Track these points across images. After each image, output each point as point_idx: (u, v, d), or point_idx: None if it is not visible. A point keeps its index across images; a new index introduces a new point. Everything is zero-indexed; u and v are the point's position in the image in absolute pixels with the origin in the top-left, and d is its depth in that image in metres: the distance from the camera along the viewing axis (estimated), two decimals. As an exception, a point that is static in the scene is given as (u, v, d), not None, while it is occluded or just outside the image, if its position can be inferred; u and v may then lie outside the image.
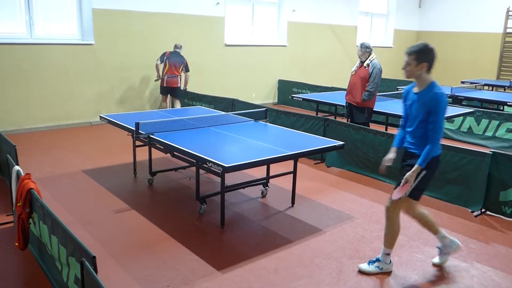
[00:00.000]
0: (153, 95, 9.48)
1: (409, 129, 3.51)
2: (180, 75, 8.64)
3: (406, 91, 3.58)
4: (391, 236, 3.58)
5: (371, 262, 3.63)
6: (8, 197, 4.27)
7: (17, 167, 3.61)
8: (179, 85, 8.64)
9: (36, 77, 7.94)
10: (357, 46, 6.56)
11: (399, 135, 3.69)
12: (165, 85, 8.56)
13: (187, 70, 8.73)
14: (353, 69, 6.64)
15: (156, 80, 8.84)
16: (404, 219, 4.67)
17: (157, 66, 8.65)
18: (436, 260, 3.78)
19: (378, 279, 3.52)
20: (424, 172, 3.36)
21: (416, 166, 3.32)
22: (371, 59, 6.38)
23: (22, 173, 3.47)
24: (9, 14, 7.78)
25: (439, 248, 3.78)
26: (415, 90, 3.45)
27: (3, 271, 3.50)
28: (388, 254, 3.62)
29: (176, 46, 8.71)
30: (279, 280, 3.46)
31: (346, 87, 6.98)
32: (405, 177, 3.37)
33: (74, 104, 8.47)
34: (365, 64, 6.38)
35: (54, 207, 4.48)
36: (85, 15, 8.44)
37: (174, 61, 8.50)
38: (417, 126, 3.40)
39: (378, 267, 3.59)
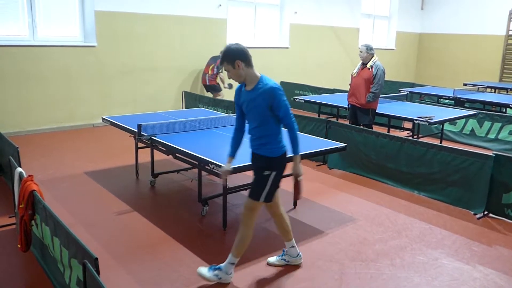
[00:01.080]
0: (156, 97, 9.50)
1: (253, 131, 3.33)
2: (213, 74, 9.44)
3: (237, 92, 3.37)
4: (242, 243, 3.37)
5: (211, 269, 3.41)
6: (10, 199, 4.28)
7: (19, 169, 3.61)
8: (207, 83, 9.47)
9: (39, 79, 7.96)
10: (359, 48, 6.54)
11: (235, 140, 3.50)
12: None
13: (218, 69, 9.38)
14: (354, 71, 6.63)
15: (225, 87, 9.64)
16: (406, 221, 4.67)
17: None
18: (273, 259, 3.72)
19: (380, 282, 3.51)
20: (274, 173, 3.27)
21: (297, 156, 3.29)
22: (374, 61, 6.39)
23: (25, 175, 3.48)
24: (11, 17, 7.80)
25: (284, 251, 3.72)
26: (247, 88, 3.24)
27: (6, 273, 3.50)
28: (233, 264, 3.42)
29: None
30: (281, 283, 3.46)
31: (347, 89, 6.98)
32: (294, 173, 3.33)
33: (77, 106, 8.49)
34: (368, 66, 6.38)
35: (56, 209, 4.49)
36: (87, 17, 8.46)
37: (208, 61, 9.51)
38: (260, 124, 3.25)
39: (217, 275, 3.37)
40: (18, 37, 7.87)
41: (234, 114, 6.37)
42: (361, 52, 6.43)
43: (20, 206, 3.38)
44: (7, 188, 5.03)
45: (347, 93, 7.00)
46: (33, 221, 3.40)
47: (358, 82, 6.46)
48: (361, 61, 6.54)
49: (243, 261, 3.74)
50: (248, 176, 5.60)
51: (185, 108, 9.70)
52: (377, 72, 6.32)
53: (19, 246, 3.50)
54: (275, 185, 3.34)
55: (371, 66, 6.35)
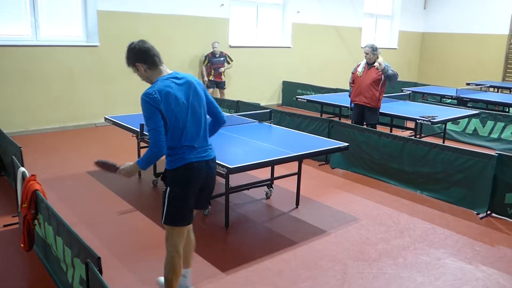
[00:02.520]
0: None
1: None
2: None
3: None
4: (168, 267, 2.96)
5: None
6: (13, 199, 4.28)
7: (22, 169, 3.62)
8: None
9: (41, 79, 7.98)
10: (362, 47, 6.54)
11: None
12: None
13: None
14: (359, 70, 6.57)
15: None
16: (409, 220, 4.67)
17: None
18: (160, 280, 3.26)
19: (382, 281, 3.51)
20: (168, 188, 2.85)
21: (134, 165, 2.87)
22: (380, 60, 6.39)
23: (28, 175, 3.49)
24: (14, 16, 7.82)
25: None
26: None
27: (9, 272, 3.51)
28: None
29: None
30: (283, 282, 3.46)
31: (348, 88, 6.96)
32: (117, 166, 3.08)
33: (79, 105, 8.50)
34: (376, 65, 6.34)
35: (59, 208, 4.48)
36: (90, 17, 8.47)
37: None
38: None
39: None
40: (20, 36, 7.89)
41: (236, 113, 6.39)
42: (366, 53, 6.39)
43: (23, 205, 3.39)
44: (10, 188, 5.04)
45: (348, 93, 6.98)
46: (36, 221, 3.40)
47: (366, 82, 6.42)
48: (365, 60, 6.52)
49: (246, 261, 3.75)
50: (250, 176, 5.62)
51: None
52: (385, 64, 6.33)
53: (22, 245, 3.51)
54: (174, 204, 2.86)
55: (380, 64, 6.35)
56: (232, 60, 9.99)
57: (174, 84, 2.77)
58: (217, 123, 3.14)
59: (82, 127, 8.54)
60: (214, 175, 3.04)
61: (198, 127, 2.86)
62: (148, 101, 2.66)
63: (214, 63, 9.76)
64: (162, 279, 3.13)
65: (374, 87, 6.37)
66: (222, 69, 9.81)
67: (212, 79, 9.89)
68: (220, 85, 10.05)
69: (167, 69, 2.87)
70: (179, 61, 9.62)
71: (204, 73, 9.88)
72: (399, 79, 6.67)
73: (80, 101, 8.51)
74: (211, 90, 9.92)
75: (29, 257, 3.71)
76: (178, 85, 2.78)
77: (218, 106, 3.10)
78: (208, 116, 3.03)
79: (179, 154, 2.79)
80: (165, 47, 9.21)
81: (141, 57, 2.80)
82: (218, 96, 9.96)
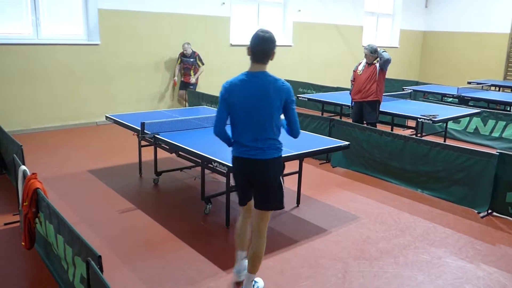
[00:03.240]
0: (159, 95, 9.51)
1: None
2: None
3: None
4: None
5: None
6: (14, 197, 4.29)
7: (23, 167, 3.62)
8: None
9: (42, 77, 7.98)
10: (363, 46, 6.56)
11: None
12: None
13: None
14: (359, 69, 6.60)
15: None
16: (410, 219, 4.67)
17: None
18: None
19: (383, 280, 3.51)
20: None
21: None
22: (378, 60, 6.42)
23: (29, 173, 3.49)
24: (15, 15, 7.82)
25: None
26: None
27: (10, 270, 3.51)
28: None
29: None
30: (284, 281, 3.46)
31: (349, 87, 6.97)
32: None
33: (80, 104, 8.51)
34: (375, 62, 6.42)
35: (60, 206, 4.50)
36: (91, 16, 8.47)
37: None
38: None
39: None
40: (22, 35, 7.89)
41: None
42: (365, 55, 6.48)
43: (24, 204, 3.39)
44: (11, 186, 5.05)
45: (349, 91, 6.99)
46: (37, 219, 3.41)
47: (365, 78, 6.45)
48: (366, 60, 6.56)
49: (246, 259, 3.74)
50: (251, 174, 5.61)
51: (188, 106, 9.70)
52: (379, 52, 6.39)
53: (23, 243, 3.51)
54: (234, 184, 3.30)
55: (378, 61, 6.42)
56: (203, 64, 9.47)
57: (250, 82, 2.95)
58: (291, 134, 3.16)
59: (83, 126, 8.55)
60: (261, 176, 3.03)
61: (255, 127, 2.95)
62: (221, 90, 3.01)
63: (183, 62, 9.40)
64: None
65: (372, 80, 6.40)
66: (193, 80, 9.39)
67: (182, 79, 9.57)
68: (188, 85, 9.51)
69: (262, 67, 3.06)
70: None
71: (176, 72, 9.56)
72: (399, 78, 6.67)
73: (81, 100, 8.51)
74: (182, 91, 9.63)
75: (30, 255, 3.71)
76: (255, 83, 2.94)
77: (295, 122, 3.10)
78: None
79: (233, 145, 3.11)
80: (166, 46, 9.25)
81: (251, 43, 3.07)
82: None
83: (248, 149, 2.98)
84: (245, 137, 2.98)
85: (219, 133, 3.10)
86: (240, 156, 3.03)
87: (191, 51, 9.28)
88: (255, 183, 3.07)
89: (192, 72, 9.43)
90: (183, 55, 9.30)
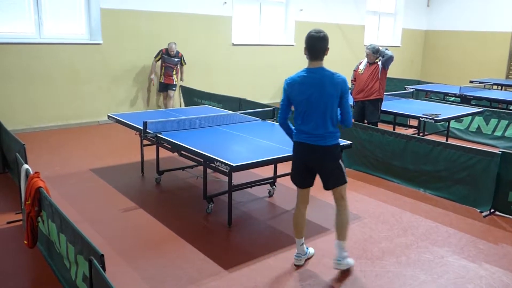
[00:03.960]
0: (160, 94, 9.52)
1: None
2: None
3: None
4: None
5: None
6: (17, 196, 4.30)
7: (26, 166, 3.63)
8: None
9: (45, 76, 7.99)
10: (365, 46, 6.56)
11: None
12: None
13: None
14: (361, 68, 6.61)
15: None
16: (412, 218, 4.66)
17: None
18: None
19: (386, 279, 3.50)
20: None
21: None
22: (380, 59, 6.43)
23: (31, 172, 3.50)
24: (18, 14, 7.83)
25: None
26: None
27: (12, 269, 3.52)
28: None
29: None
30: (286, 280, 3.46)
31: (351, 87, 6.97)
32: None
33: (82, 103, 8.52)
34: (377, 60, 6.43)
35: (62, 205, 4.50)
36: (93, 15, 8.48)
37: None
38: None
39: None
40: (24, 34, 7.90)
41: (239, 112, 6.38)
42: (367, 54, 6.49)
43: (27, 202, 3.40)
44: (13, 185, 5.06)
45: (350, 91, 6.98)
46: (39, 218, 3.41)
47: (367, 77, 6.46)
48: (367, 60, 6.58)
49: (248, 259, 3.75)
50: (253, 174, 5.62)
51: (184, 104, 9.71)
52: (381, 51, 6.40)
53: (25, 242, 3.52)
54: (292, 167, 3.59)
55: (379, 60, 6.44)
56: (185, 63, 9.11)
57: (310, 77, 3.33)
58: (343, 123, 3.48)
59: (85, 125, 8.56)
60: (320, 161, 3.41)
61: (316, 117, 3.30)
62: (284, 84, 3.45)
63: (165, 61, 8.84)
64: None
65: (374, 79, 6.41)
66: (179, 80, 9.07)
67: (162, 81, 8.99)
68: (170, 87, 9.05)
69: (319, 63, 3.42)
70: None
71: (153, 69, 8.96)
72: (401, 77, 6.68)
73: (84, 99, 8.52)
74: (164, 94, 9.16)
75: (33, 254, 3.72)
76: (314, 78, 3.31)
77: (348, 112, 3.41)
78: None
79: (295, 131, 3.46)
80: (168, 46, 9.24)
81: (307, 42, 3.43)
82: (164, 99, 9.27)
83: (310, 136, 3.35)
84: (307, 126, 3.34)
85: (283, 124, 3.54)
86: (303, 142, 3.39)
87: (176, 51, 8.89)
88: (314, 167, 3.45)
89: (174, 72, 8.99)
90: (166, 53, 8.81)
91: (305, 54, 3.42)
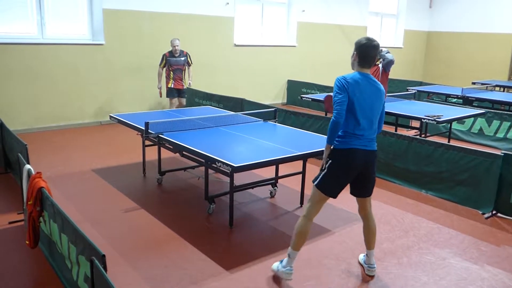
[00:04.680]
0: (163, 94, 9.52)
1: None
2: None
3: None
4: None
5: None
6: (19, 196, 4.31)
7: (28, 166, 3.64)
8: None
9: (47, 76, 8.01)
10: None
11: None
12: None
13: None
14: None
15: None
16: (413, 220, 4.65)
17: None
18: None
19: (387, 281, 3.50)
20: (331, 161, 3.30)
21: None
22: (381, 60, 6.42)
23: (33, 172, 3.50)
24: (20, 14, 7.85)
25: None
26: None
27: (14, 269, 3.53)
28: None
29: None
30: (287, 281, 3.45)
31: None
32: None
33: (84, 103, 8.53)
34: (378, 63, 6.42)
35: (64, 205, 4.49)
36: (95, 15, 8.50)
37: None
38: None
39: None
40: (26, 35, 7.92)
41: (241, 112, 6.38)
42: None
43: (29, 202, 3.40)
44: (15, 185, 5.07)
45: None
46: (41, 218, 3.42)
47: None
48: None
49: (250, 259, 3.75)
50: (255, 174, 5.62)
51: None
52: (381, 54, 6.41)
53: (27, 242, 3.53)
54: (330, 176, 3.30)
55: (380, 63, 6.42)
56: (192, 63, 8.38)
57: (365, 81, 3.25)
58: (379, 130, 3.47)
59: (87, 125, 8.57)
60: (372, 166, 3.38)
61: (368, 121, 3.25)
62: (340, 80, 3.23)
63: (172, 64, 8.05)
64: (274, 265, 3.52)
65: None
66: (190, 82, 8.35)
67: (172, 86, 8.15)
68: (181, 94, 8.34)
69: (367, 70, 3.35)
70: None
71: (160, 78, 8.24)
72: (403, 78, 6.67)
73: (86, 99, 8.53)
74: (174, 100, 8.29)
75: (34, 254, 3.72)
76: (368, 83, 3.25)
77: (383, 119, 3.44)
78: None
79: (342, 137, 3.26)
80: (170, 46, 9.25)
81: (360, 50, 3.33)
82: (176, 106, 8.35)
83: (365, 141, 3.27)
84: (365, 131, 3.25)
85: (341, 122, 3.18)
86: (358, 148, 3.24)
87: (180, 49, 8.17)
88: (365, 173, 3.35)
89: (184, 74, 8.22)
90: (170, 55, 8.07)
91: (354, 60, 3.37)
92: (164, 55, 8.14)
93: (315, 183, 3.33)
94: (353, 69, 3.38)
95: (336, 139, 3.26)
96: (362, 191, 3.47)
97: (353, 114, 3.21)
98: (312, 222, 3.39)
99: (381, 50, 6.45)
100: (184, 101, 8.48)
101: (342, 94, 3.18)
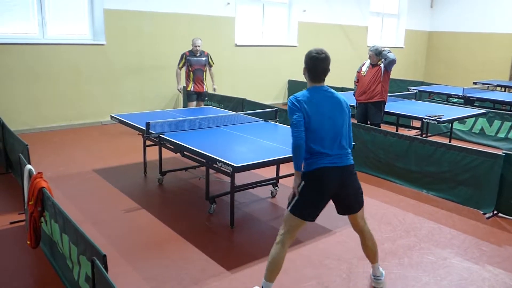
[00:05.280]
0: (163, 95, 9.53)
1: None
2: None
3: None
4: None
5: None
6: (20, 196, 4.31)
7: (29, 166, 3.64)
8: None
9: (48, 77, 8.02)
10: (368, 47, 6.53)
11: None
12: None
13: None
14: (363, 70, 6.59)
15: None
16: (415, 220, 4.65)
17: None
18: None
19: (388, 281, 3.49)
20: (303, 183, 3.03)
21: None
22: (383, 61, 6.40)
23: (34, 172, 3.50)
24: (21, 15, 7.86)
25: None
26: None
27: (15, 269, 3.53)
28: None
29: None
30: (288, 281, 3.46)
31: (353, 87, 6.95)
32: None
33: (86, 104, 8.54)
34: (379, 63, 6.41)
35: (65, 206, 4.51)
36: (96, 16, 8.51)
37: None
38: None
39: None
40: (27, 35, 7.93)
41: (242, 112, 6.38)
42: (370, 56, 6.48)
43: (30, 203, 3.41)
44: (17, 185, 5.07)
45: (353, 92, 6.97)
46: (42, 218, 3.42)
47: (370, 80, 6.44)
48: (370, 61, 6.56)
49: (251, 259, 3.75)
50: (256, 174, 5.62)
51: (183, 104, 9.70)
52: (383, 53, 6.37)
53: (28, 242, 3.53)
54: (304, 201, 3.05)
55: (380, 66, 6.39)
56: (214, 63, 7.70)
57: (320, 95, 3.08)
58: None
59: (89, 125, 8.58)
60: (351, 181, 3.13)
61: (335, 137, 3.03)
62: (291, 100, 3.03)
63: (192, 63, 7.40)
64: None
65: (377, 81, 6.39)
66: (215, 86, 7.63)
67: (192, 89, 7.51)
68: (202, 97, 7.69)
69: (321, 83, 3.17)
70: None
71: (179, 78, 7.55)
72: (404, 78, 6.65)
73: (87, 99, 8.54)
74: (193, 103, 7.62)
75: (35, 254, 3.73)
76: (324, 96, 3.09)
77: (351, 131, 3.23)
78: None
79: (310, 159, 3.02)
80: (171, 46, 9.26)
81: (309, 64, 3.14)
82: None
83: (333, 157, 3.02)
84: (333, 147, 3.03)
85: (302, 144, 2.94)
86: (328, 166, 2.99)
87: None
88: (339, 192, 3.11)
89: (204, 76, 7.54)
90: (190, 54, 7.41)
91: (304, 74, 3.18)
92: (183, 54, 7.44)
93: (289, 209, 3.07)
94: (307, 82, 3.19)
95: (304, 162, 3.04)
96: (347, 209, 3.22)
97: (314, 133, 2.98)
98: (286, 251, 3.10)
99: (383, 49, 6.46)
100: (203, 104, 7.87)
101: (296, 114, 2.96)
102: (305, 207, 3.06)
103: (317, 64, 3.12)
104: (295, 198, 3.05)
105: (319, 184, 3.02)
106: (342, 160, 3.06)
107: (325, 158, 3.00)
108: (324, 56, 3.13)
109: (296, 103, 3.00)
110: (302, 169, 3.03)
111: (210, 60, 7.60)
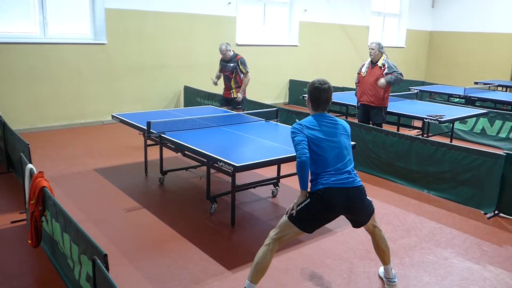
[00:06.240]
0: (164, 94, 9.53)
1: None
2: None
3: None
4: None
5: None
6: (21, 195, 4.31)
7: (30, 165, 3.64)
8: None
9: (49, 76, 8.02)
10: (369, 46, 6.48)
11: None
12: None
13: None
14: (363, 70, 6.55)
15: None
16: (416, 220, 4.65)
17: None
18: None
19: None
20: (309, 200, 3.03)
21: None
22: (385, 59, 6.32)
23: (35, 171, 3.51)
24: (22, 14, 7.87)
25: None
26: None
27: (16, 269, 3.53)
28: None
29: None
30: (289, 281, 3.46)
31: (354, 87, 6.93)
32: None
33: (87, 103, 8.54)
34: (380, 64, 6.30)
35: (66, 205, 4.52)
36: (97, 15, 8.51)
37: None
38: None
39: None
40: (29, 34, 7.93)
41: (243, 112, 6.37)
42: (372, 49, 6.34)
43: (31, 202, 3.41)
44: (18, 184, 5.08)
45: (355, 92, 6.96)
46: (43, 217, 3.42)
47: (370, 81, 6.38)
48: (369, 60, 6.49)
49: (252, 259, 3.73)
50: (257, 174, 5.62)
51: (184, 103, 9.71)
52: (390, 65, 6.26)
53: (29, 242, 3.53)
54: (306, 217, 3.04)
55: (383, 65, 6.28)
56: (247, 71, 6.90)
57: (322, 121, 3.15)
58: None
59: (90, 125, 8.58)
60: (361, 202, 3.11)
61: (339, 158, 3.07)
62: (296, 126, 3.13)
63: (221, 69, 7.05)
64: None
65: (378, 86, 6.32)
66: (238, 95, 6.86)
67: (222, 93, 7.21)
68: (233, 104, 7.00)
69: (324, 112, 3.22)
70: (186, 60, 9.64)
71: (215, 80, 7.25)
72: (405, 78, 6.62)
73: (88, 99, 8.55)
74: (222, 108, 6.98)
75: (37, 253, 3.73)
76: (327, 122, 3.15)
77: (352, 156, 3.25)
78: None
79: (315, 180, 3.04)
80: (172, 46, 9.27)
81: (311, 94, 3.21)
82: None
83: (338, 176, 3.02)
84: (332, 168, 3.03)
85: (307, 160, 2.95)
86: (334, 186, 2.98)
87: (233, 53, 6.90)
88: (355, 212, 3.13)
89: (233, 83, 6.93)
90: (222, 59, 7.01)
91: (307, 104, 3.27)
92: (220, 58, 7.06)
93: (289, 217, 3.07)
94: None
95: (310, 183, 3.05)
96: (359, 224, 3.26)
97: (317, 152, 3.03)
98: (273, 256, 3.11)
99: (395, 66, 6.34)
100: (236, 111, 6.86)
101: (299, 135, 3.04)
102: (306, 221, 3.05)
103: (320, 94, 3.17)
104: (298, 210, 3.03)
105: (325, 207, 3.02)
106: (352, 180, 3.06)
107: (331, 177, 3.01)
108: (326, 86, 3.18)
109: (298, 127, 3.11)
110: (308, 189, 3.03)
111: (240, 67, 6.84)
